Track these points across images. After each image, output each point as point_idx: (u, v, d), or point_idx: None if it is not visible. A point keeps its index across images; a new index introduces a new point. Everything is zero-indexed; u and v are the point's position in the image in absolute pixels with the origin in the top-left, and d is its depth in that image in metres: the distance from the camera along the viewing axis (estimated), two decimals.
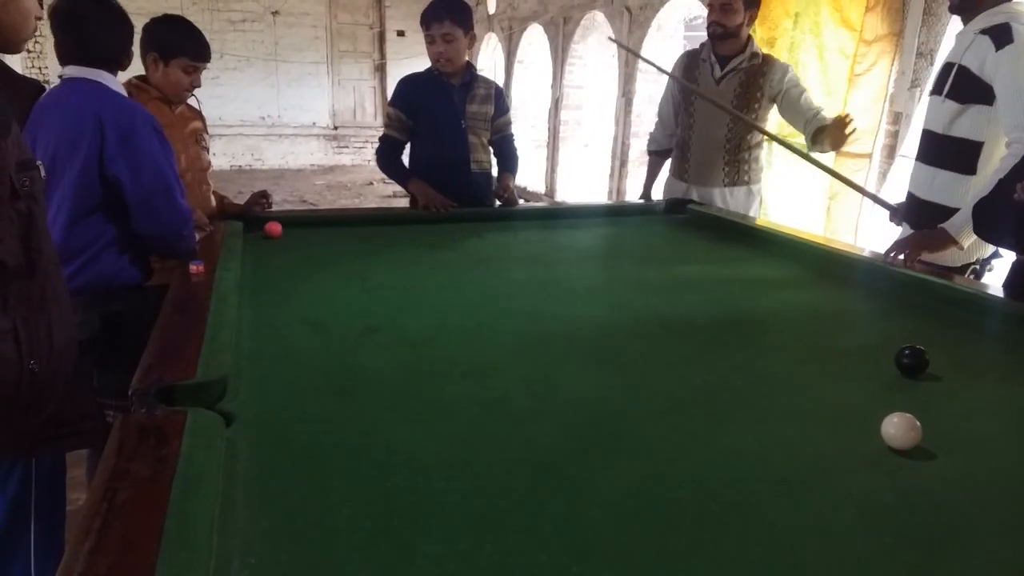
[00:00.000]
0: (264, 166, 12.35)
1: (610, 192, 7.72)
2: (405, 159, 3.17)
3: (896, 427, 1.14)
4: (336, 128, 12.65)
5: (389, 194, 9.76)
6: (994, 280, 2.13)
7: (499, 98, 3.22)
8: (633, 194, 7.28)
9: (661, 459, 1.14)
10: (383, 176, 3.28)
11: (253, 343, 1.53)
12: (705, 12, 3.29)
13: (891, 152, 4.13)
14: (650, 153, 3.52)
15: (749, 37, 3.19)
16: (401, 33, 12.26)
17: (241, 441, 1.11)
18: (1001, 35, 2.15)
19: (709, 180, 3.24)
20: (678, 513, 0.99)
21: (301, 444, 1.15)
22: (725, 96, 3.12)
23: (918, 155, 2.49)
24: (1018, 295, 1.86)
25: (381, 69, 12.46)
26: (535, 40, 9.68)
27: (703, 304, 1.95)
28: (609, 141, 7.77)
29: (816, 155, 3.10)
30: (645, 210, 3.14)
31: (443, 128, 3.07)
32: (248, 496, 0.97)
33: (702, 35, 3.27)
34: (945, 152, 2.35)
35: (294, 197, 9.77)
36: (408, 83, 3.16)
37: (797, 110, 3.06)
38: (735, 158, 3.20)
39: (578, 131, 9.06)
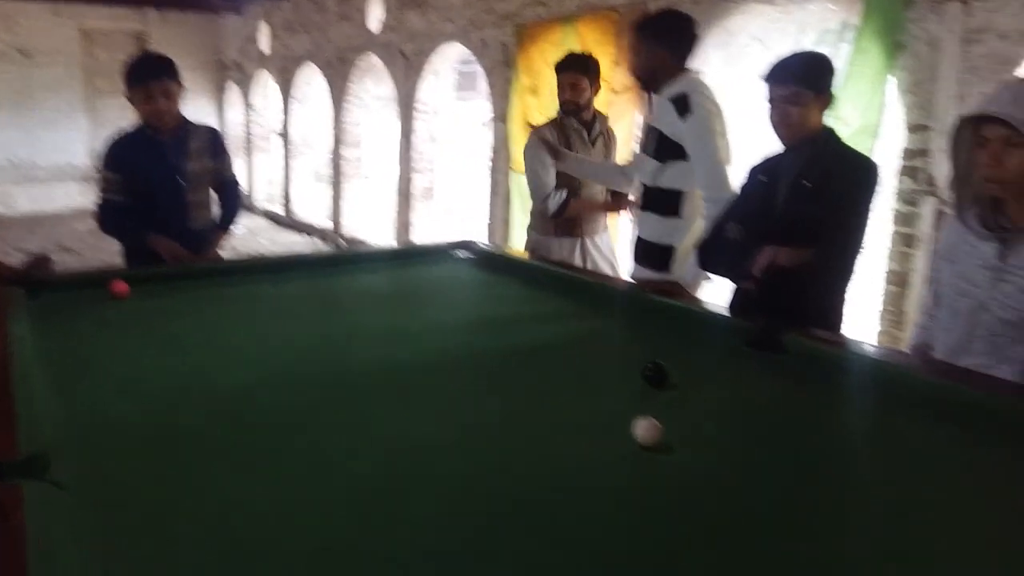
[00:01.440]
0: (15, 213, 11.27)
1: (396, 225, 7.95)
2: None
3: (642, 428, 1.46)
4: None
5: None
6: (721, 302, 2.58)
7: (216, 144, 3.26)
8: (419, 227, 7.53)
9: (468, 480, 1.36)
10: None
11: (66, 414, 1.56)
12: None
13: None
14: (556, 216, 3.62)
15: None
16: None
17: (77, 509, 1.19)
18: (682, 105, 2.64)
19: (597, 228, 3.64)
20: (485, 522, 1.22)
21: (138, 506, 1.24)
22: (600, 154, 3.58)
23: (639, 203, 3.03)
24: (737, 314, 2.30)
25: None
26: (312, 79, 9.72)
27: (488, 338, 2.22)
28: (393, 177, 8.01)
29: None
30: (432, 251, 3.38)
31: (158, 189, 3.05)
32: (99, 561, 1.07)
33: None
34: (654, 200, 2.88)
35: (53, 244, 9.02)
36: (120, 146, 3.12)
37: None
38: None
39: (360, 167, 9.22)
